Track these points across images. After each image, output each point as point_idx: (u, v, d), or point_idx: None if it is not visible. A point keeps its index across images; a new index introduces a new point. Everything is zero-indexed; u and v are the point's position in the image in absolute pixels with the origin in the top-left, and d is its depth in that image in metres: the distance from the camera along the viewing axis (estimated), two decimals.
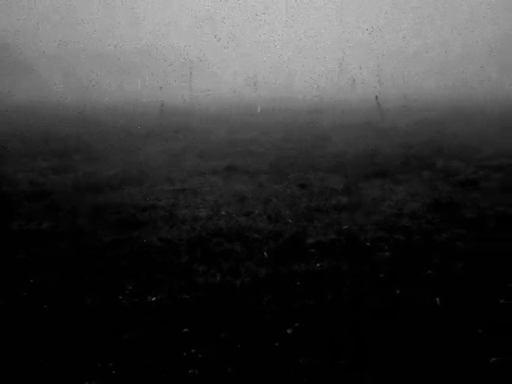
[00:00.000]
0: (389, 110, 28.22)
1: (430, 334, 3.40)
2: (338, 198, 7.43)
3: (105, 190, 8.16)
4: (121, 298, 3.97)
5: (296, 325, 3.51)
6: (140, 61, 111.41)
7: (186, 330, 3.46)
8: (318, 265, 4.66)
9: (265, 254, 4.99)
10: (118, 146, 14.37)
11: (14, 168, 10.57)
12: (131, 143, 15.15)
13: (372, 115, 25.65)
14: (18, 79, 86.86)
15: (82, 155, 12.52)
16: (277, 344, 3.27)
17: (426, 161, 10.83)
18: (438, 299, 3.91)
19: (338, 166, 10.41)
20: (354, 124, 21.27)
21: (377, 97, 27.05)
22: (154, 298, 3.95)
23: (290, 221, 6.18)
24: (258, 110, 31.95)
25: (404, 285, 4.19)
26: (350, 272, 4.47)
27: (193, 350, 3.20)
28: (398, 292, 4.05)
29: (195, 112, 33.38)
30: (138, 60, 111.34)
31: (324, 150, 13.00)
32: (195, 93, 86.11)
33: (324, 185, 8.45)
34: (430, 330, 3.45)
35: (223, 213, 6.60)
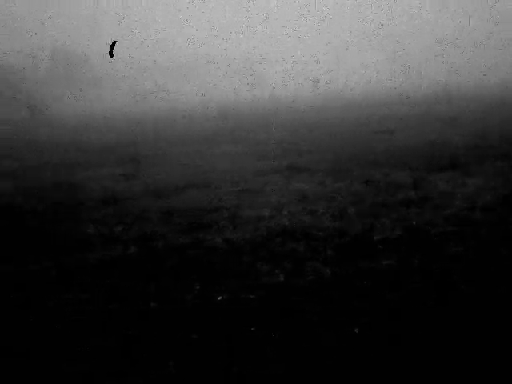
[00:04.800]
0: (455, 98, 27.02)
1: (508, 335, 3.19)
2: (405, 192, 7.19)
3: (171, 195, 8.40)
4: (189, 298, 4.06)
5: (364, 324, 3.43)
6: (194, 65, 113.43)
7: (253, 328, 3.47)
8: (385, 262, 4.53)
9: (329, 252, 4.92)
10: (180, 151, 14.76)
11: (87, 175, 11.14)
12: (192, 147, 15.50)
13: (438, 104, 24.67)
14: (96, 91, 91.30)
15: (148, 161, 12.97)
16: (344, 344, 3.21)
17: (498, 150, 10.25)
18: None
19: (403, 159, 10.09)
20: (417, 114, 20.54)
21: (445, 85, 26.01)
22: (220, 298, 4.01)
23: (355, 218, 6.06)
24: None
25: (478, 282, 3.97)
26: (420, 269, 4.31)
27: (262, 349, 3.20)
28: (473, 290, 3.85)
29: (251, 113, 33.64)
30: (191, 64, 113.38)
31: (387, 144, 12.64)
32: (251, 94, 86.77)
33: (389, 180, 8.22)
34: (509, 330, 3.24)
35: (286, 212, 6.59)
